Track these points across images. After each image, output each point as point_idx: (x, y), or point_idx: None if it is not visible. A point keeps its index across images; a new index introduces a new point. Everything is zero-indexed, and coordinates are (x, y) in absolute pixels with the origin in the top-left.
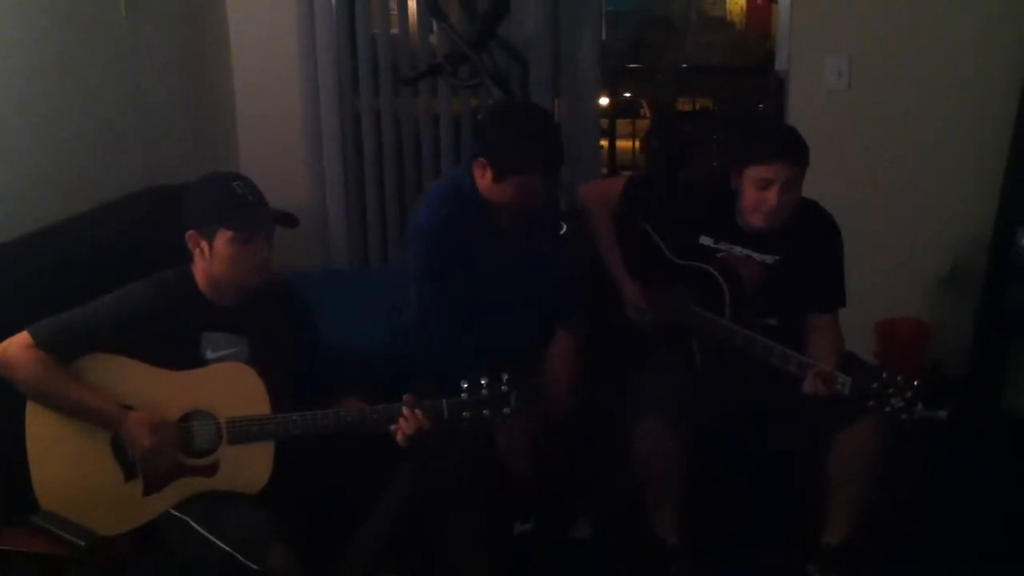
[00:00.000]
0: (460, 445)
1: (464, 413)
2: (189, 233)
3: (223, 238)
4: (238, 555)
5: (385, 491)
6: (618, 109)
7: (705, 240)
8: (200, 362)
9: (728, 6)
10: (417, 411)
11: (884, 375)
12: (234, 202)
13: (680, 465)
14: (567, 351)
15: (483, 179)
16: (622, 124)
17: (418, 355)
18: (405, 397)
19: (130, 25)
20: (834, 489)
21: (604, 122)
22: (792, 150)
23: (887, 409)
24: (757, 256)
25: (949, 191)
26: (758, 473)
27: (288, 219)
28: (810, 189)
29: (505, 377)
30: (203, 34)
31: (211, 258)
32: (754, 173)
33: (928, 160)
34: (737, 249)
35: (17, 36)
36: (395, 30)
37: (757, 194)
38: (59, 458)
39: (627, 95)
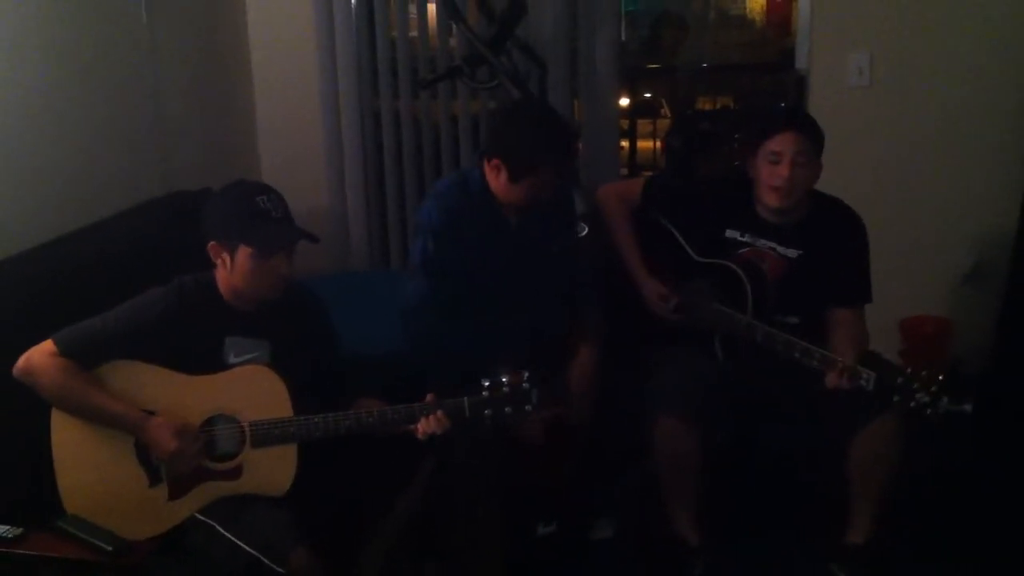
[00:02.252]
0: (479, 443)
1: (486, 411)
2: (211, 244)
3: (244, 253)
4: (263, 558)
5: (406, 491)
6: (638, 109)
7: (731, 233)
8: (223, 366)
9: (748, 4)
10: (438, 410)
11: (908, 370)
12: (257, 218)
13: (699, 463)
14: (590, 366)
15: (497, 180)
16: (642, 124)
17: (442, 354)
18: (427, 396)
19: (150, 31)
20: (856, 488)
21: (624, 122)
22: (797, 121)
23: (912, 404)
24: (780, 249)
25: (971, 188)
26: (778, 471)
27: (309, 237)
28: (832, 186)
29: (526, 375)
30: (223, 39)
31: (231, 270)
32: (765, 149)
33: (950, 157)
34: (761, 242)
35: (37, 42)
36: (414, 33)
37: (769, 169)
38: (84, 463)
39: (647, 95)
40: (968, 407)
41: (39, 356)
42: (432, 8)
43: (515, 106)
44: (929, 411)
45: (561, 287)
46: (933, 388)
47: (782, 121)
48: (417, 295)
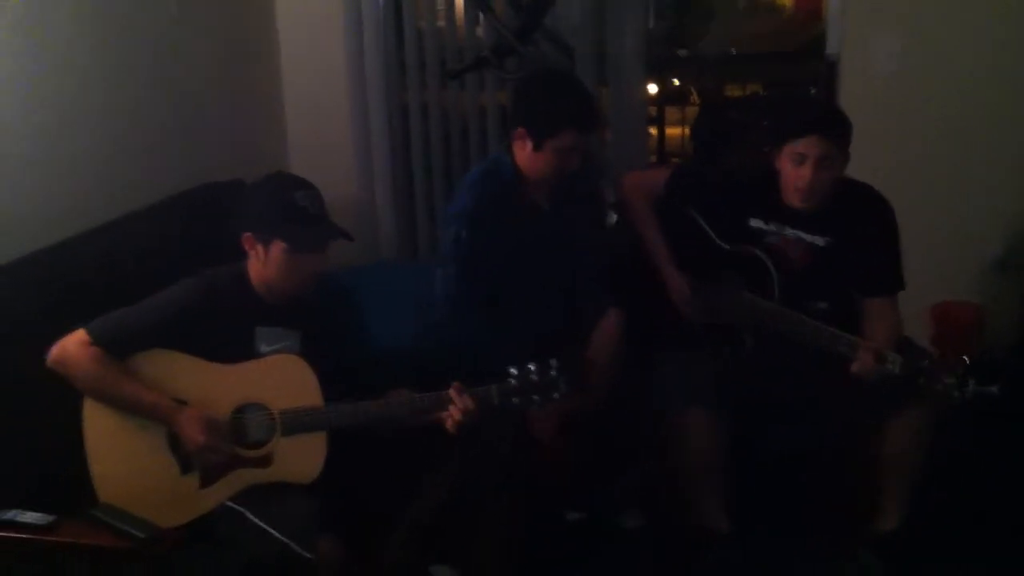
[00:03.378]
0: (502, 430)
1: (514, 399)
2: (245, 235)
3: (278, 247)
4: (292, 544)
5: (434, 479)
6: (667, 96)
7: (755, 222)
8: (254, 356)
9: None
10: (466, 398)
11: (934, 353)
12: (294, 214)
13: (725, 451)
14: (615, 329)
15: (523, 151)
16: (671, 112)
17: (468, 342)
18: (454, 384)
19: (179, 24)
20: (886, 475)
21: (653, 110)
22: (824, 124)
23: (938, 387)
24: (807, 237)
25: (1004, 173)
26: (807, 459)
27: (345, 235)
28: (863, 172)
29: (554, 362)
30: (251, 31)
31: (265, 263)
32: (789, 149)
33: (984, 142)
34: (788, 230)
35: (67, 37)
36: (441, 23)
37: (793, 170)
38: (116, 452)
39: (675, 82)
40: (995, 389)
41: (72, 346)
42: None
43: (533, 75)
44: (956, 393)
45: (590, 274)
46: (960, 371)
47: (808, 123)
48: (449, 283)
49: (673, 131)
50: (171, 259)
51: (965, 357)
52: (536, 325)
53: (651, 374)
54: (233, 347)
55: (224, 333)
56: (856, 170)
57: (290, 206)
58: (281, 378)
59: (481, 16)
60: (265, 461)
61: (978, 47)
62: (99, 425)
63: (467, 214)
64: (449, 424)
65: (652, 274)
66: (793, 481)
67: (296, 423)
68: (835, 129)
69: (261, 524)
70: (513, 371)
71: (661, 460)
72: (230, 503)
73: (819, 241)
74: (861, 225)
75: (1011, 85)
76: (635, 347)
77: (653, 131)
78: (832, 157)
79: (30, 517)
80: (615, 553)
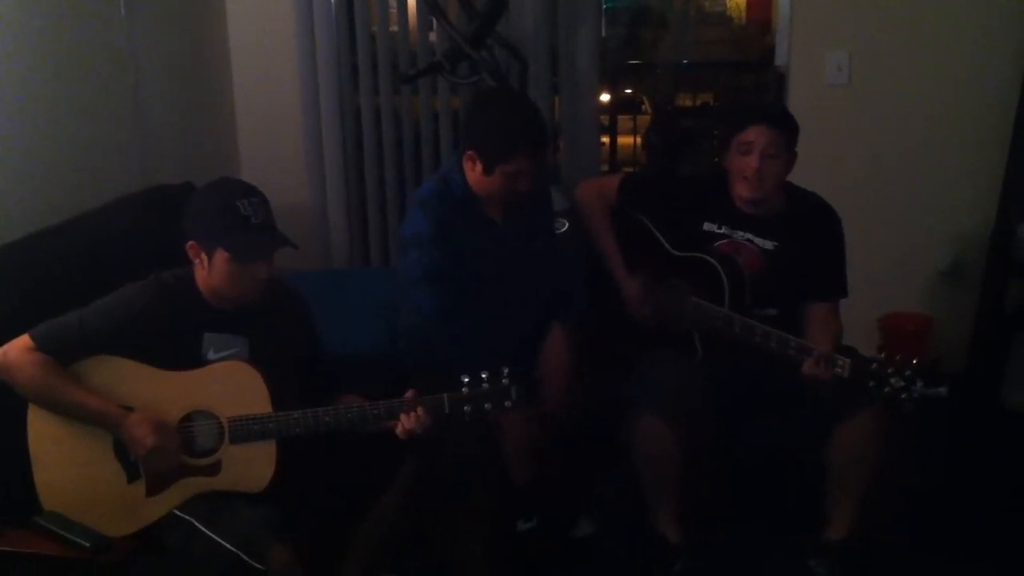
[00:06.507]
0: (462, 440)
1: (465, 407)
2: (189, 243)
3: (221, 256)
4: (242, 554)
5: (388, 488)
6: (619, 105)
7: (709, 226)
8: (202, 363)
9: (728, 1)
10: (418, 406)
11: (883, 355)
12: (237, 223)
13: (680, 461)
14: (561, 345)
15: (473, 172)
16: (623, 120)
17: (429, 355)
18: (408, 392)
19: (129, 25)
20: (836, 484)
21: (605, 118)
22: (769, 113)
23: (886, 389)
24: (758, 240)
25: (949, 186)
26: (759, 467)
27: (288, 244)
28: (811, 183)
29: (506, 371)
30: (202, 34)
31: (209, 271)
32: (737, 141)
33: (928, 155)
34: (739, 234)
35: (16, 37)
36: (394, 28)
37: (741, 160)
38: (61, 460)
39: (628, 91)
40: (943, 390)
41: (16, 351)
42: (412, 3)
43: (484, 96)
44: (904, 396)
45: (545, 284)
46: (907, 372)
47: (753, 114)
48: (428, 307)
49: (625, 140)
50: (119, 263)
51: (914, 360)
52: (504, 335)
53: (613, 382)
54: (181, 354)
55: (172, 339)
56: (804, 181)
57: (233, 214)
58: (229, 385)
59: (434, 21)
60: (213, 469)
61: (924, 61)
62: (43, 432)
63: (427, 237)
64: (400, 432)
65: (609, 281)
66: (743, 490)
67: (245, 431)
68: (780, 119)
69: (211, 535)
70: (464, 379)
71: (622, 467)
72: (178, 512)
73: (768, 245)
74: (808, 232)
75: (956, 97)
76: (602, 353)
77: (605, 140)
78: (778, 146)
79: None
80: (565, 563)
